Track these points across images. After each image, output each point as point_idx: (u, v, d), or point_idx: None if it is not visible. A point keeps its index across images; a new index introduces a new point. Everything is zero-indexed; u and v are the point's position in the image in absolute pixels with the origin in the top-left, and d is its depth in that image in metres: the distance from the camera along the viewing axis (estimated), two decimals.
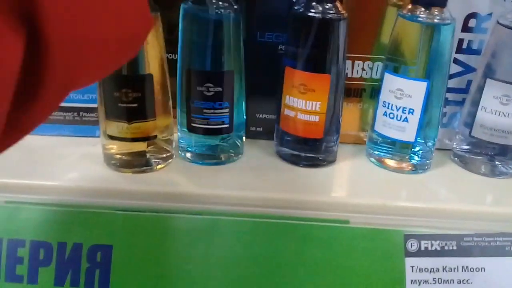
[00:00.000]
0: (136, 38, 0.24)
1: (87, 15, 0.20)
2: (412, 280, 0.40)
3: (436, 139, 0.46)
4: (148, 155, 0.44)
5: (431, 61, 0.42)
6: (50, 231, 0.41)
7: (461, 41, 0.45)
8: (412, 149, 0.45)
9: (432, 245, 0.40)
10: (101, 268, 0.40)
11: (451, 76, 0.46)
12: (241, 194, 0.42)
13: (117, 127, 0.42)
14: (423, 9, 0.41)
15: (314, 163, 0.46)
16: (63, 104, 0.43)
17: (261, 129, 0.51)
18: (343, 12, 0.41)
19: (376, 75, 0.48)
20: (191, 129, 0.44)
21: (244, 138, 0.47)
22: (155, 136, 0.43)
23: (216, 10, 0.40)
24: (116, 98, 0.40)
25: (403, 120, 0.43)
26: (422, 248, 0.40)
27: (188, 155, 0.46)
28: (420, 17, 0.41)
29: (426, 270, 0.40)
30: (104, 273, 0.40)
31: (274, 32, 0.46)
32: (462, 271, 0.40)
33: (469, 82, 0.47)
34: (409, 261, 0.40)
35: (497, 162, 0.46)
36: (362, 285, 0.40)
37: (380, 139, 0.46)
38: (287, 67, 0.43)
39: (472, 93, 0.46)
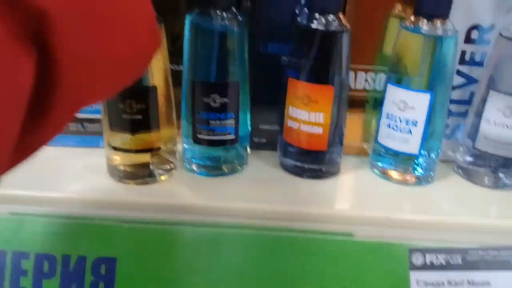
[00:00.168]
0: (145, 56, 0.24)
1: (97, 36, 0.20)
2: None
3: (439, 151, 0.46)
4: (151, 167, 0.44)
5: (434, 72, 0.42)
6: (54, 243, 0.41)
7: (463, 52, 0.46)
8: (416, 161, 0.45)
9: (437, 258, 0.40)
10: (105, 281, 0.40)
11: (454, 88, 0.46)
12: (245, 206, 0.42)
13: (121, 139, 0.42)
14: (425, 21, 0.41)
15: (317, 175, 0.46)
16: None
17: (264, 140, 0.51)
18: (346, 24, 0.42)
19: (379, 86, 0.48)
20: (197, 140, 0.44)
21: (248, 149, 0.47)
22: (159, 148, 0.43)
23: (221, 22, 0.40)
24: (120, 110, 0.40)
25: (407, 132, 0.43)
26: (427, 262, 0.40)
27: (193, 166, 0.46)
28: (422, 29, 0.41)
29: (431, 284, 0.40)
30: (108, 286, 0.40)
31: (277, 43, 0.46)
32: (468, 285, 0.40)
33: (471, 94, 0.47)
34: (414, 275, 0.40)
35: (500, 174, 0.46)
36: None
37: (384, 150, 0.46)
38: (290, 79, 0.43)
39: (475, 105, 0.46)
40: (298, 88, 0.43)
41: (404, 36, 0.43)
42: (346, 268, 0.41)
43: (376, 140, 0.46)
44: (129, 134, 0.41)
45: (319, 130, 0.44)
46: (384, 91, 0.45)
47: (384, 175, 0.47)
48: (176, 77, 0.44)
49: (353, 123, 0.49)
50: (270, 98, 0.47)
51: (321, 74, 0.42)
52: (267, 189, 0.44)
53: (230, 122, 0.43)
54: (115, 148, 0.42)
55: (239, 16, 0.41)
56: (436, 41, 0.42)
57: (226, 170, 0.46)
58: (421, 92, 0.42)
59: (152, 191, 0.43)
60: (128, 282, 0.40)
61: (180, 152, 0.47)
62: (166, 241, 0.41)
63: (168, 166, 0.45)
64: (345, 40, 0.42)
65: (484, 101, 0.44)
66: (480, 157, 0.46)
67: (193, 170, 0.46)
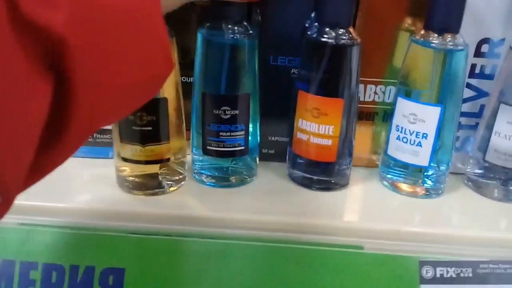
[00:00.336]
0: (157, 81, 0.25)
1: (112, 62, 0.20)
2: None
3: (449, 163, 0.45)
4: (160, 178, 0.44)
5: (444, 86, 0.42)
6: (63, 254, 0.41)
7: (473, 66, 0.46)
8: (425, 173, 0.45)
9: (447, 272, 0.40)
10: None
11: (464, 101, 0.46)
12: (253, 218, 0.41)
13: (131, 150, 0.42)
14: (436, 35, 0.41)
15: (326, 187, 0.46)
16: None
17: (273, 151, 0.51)
18: (356, 37, 0.42)
19: (388, 99, 0.48)
20: (207, 152, 0.44)
21: (257, 160, 0.47)
22: (168, 159, 0.43)
23: (232, 35, 0.41)
24: (130, 121, 0.41)
25: (417, 145, 0.43)
26: (438, 275, 0.40)
27: (202, 177, 0.46)
28: (433, 43, 0.41)
29: None
30: None
31: (287, 56, 0.46)
32: None
33: (482, 107, 0.47)
34: None
35: (510, 187, 0.46)
36: None
37: (393, 162, 0.46)
38: (300, 91, 0.44)
39: (486, 118, 0.46)
40: (308, 101, 0.43)
41: (414, 50, 0.43)
42: (356, 281, 0.40)
43: (385, 152, 0.46)
44: (139, 145, 0.41)
45: (328, 142, 0.44)
46: (394, 104, 0.45)
47: (394, 187, 0.46)
48: (187, 89, 0.44)
49: (363, 135, 0.49)
50: (279, 110, 0.48)
51: (331, 87, 0.42)
52: (276, 201, 0.44)
53: (240, 133, 0.43)
54: (125, 159, 0.43)
55: (249, 29, 0.42)
56: (446, 55, 0.42)
57: (235, 181, 0.46)
58: (432, 106, 0.42)
59: (160, 202, 0.43)
60: None
61: (189, 163, 0.47)
62: (174, 252, 0.41)
63: (177, 177, 0.45)
64: (355, 53, 0.42)
65: (494, 114, 0.44)
66: (490, 170, 0.46)
67: (202, 181, 0.46)
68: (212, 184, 0.46)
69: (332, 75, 0.42)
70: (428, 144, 0.43)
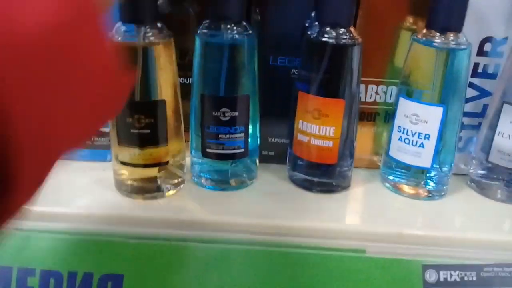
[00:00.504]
0: (112, 109, 0.23)
1: (58, 108, 0.19)
2: None
3: (452, 164, 0.45)
4: (159, 181, 0.43)
5: (446, 85, 0.42)
6: (61, 260, 0.40)
7: (476, 65, 0.45)
8: (428, 175, 0.45)
9: (451, 275, 0.39)
10: None
11: (466, 100, 0.45)
12: (254, 221, 0.41)
13: (129, 153, 0.41)
14: (438, 34, 0.41)
15: (328, 189, 0.45)
16: None
17: (273, 153, 0.50)
18: (357, 37, 0.41)
19: (390, 99, 0.47)
20: (206, 154, 0.43)
21: (257, 162, 0.47)
22: (167, 162, 0.43)
23: (231, 36, 0.40)
24: (128, 124, 0.40)
25: (419, 146, 0.43)
26: (441, 279, 0.39)
27: (202, 180, 0.45)
28: (435, 42, 0.41)
29: None
30: None
31: (287, 56, 0.46)
32: None
33: (484, 107, 0.47)
34: None
35: None
36: None
37: (395, 164, 0.45)
38: (300, 92, 0.43)
39: (489, 118, 0.45)
40: (309, 102, 0.42)
41: (416, 49, 0.42)
42: (358, 286, 0.40)
43: (387, 154, 0.46)
44: (137, 148, 0.41)
45: (329, 144, 0.43)
46: (395, 104, 0.44)
47: (396, 189, 0.46)
48: (185, 91, 0.43)
49: (364, 136, 0.48)
50: (279, 111, 0.47)
51: (331, 88, 0.42)
52: (277, 204, 0.43)
53: (240, 135, 0.42)
54: (123, 163, 0.42)
55: (248, 29, 0.41)
56: (449, 54, 0.41)
57: (235, 184, 0.45)
58: (434, 106, 0.41)
59: (159, 206, 0.42)
60: None
61: (188, 166, 0.46)
62: (173, 257, 0.41)
63: (176, 181, 0.44)
64: (356, 53, 0.41)
65: (497, 114, 0.44)
66: (493, 171, 0.45)
67: (202, 184, 0.45)
68: (212, 187, 0.45)
69: (332, 75, 0.41)
70: (430, 145, 0.42)
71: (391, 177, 0.46)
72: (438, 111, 0.41)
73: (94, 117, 0.22)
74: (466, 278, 0.39)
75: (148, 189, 0.43)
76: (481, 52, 0.44)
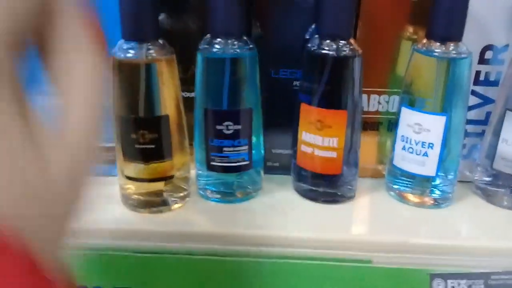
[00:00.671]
0: None
1: None
2: None
3: (457, 172, 0.45)
4: (165, 195, 0.44)
5: (448, 94, 0.42)
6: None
7: (478, 73, 0.45)
8: (433, 183, 0.45)
9: (459, 284, 0.39)
10: None
11: (469, 108, 0.45)
12: (260, 233, 0.41)
13: (134, 168, 0.42)
14: (438, 43, 0.41)
15: (332, 199, 0.45)
16: None
17: (277, 164, 0.50)
18: (357, 49, 0.41)
19: (392, 108, 0.47)
20: (211, 167, 0.43)
21: (262, 173, 0.47)
22: (172, 176, 0.43)
23: (232, 49, 0.40)
24: (133, 140, 0.40)
25: (423, 155, 0.43)
26: None
27: (207, 192, 0.45)
28: (435, 52, 0.41)
29: None
30: None
31: (288, 68, 0.46)
32: None
33: (488, 114, 0.47)
34: None
35: None
36: None
37: (400, 173, 0.45)
38: (302, 104, 0.43)
39: (492, 125, 0.45)
40: (311, 114, 0.43)
41: (417, 59, 0.42)
42: None
43: (391, 163, 0.46)
44: (142, 163, 0.41)
45: (333, 155, 0.43)
46: (398, 113, 0.44)
47: (401, 197, 0.46)
48: (187, 104, 0.44)
49: (367, 145, 0.48)
50: (283, 123, 0.47)
51: (333, 99, 0.42)
52: (282, 215, 0.44)
53: (244, 148, 0.43)
54: (129, 178, 0.42)
55: (249, 44, 0.41)
56: (450, 63, 0.41)
57: (240, 196, 0.45)
58: (437, 115, 0.42)
59: (165, 220, 0.42)
60: None
61: (193, 179, 0.46)
62: (180, 270, 0.41)
63: (181, 194, 0.45)
64: (356, 64, 0.41)
65: (501, 121, 0.44)
66: (499, 177, 0.45)
67: (207, 196, 0.46)
68: (217, 199, 0.45)
69: (334, 87, 0.42)
70: (434, 154, 0.42)
71: (396, 186, 0.46)
72: (441, 119, 0.42)
73: None
74: (473, 286, 0.39)
75: (154, 203, 0.43)
76: (482, 60, 0.45)
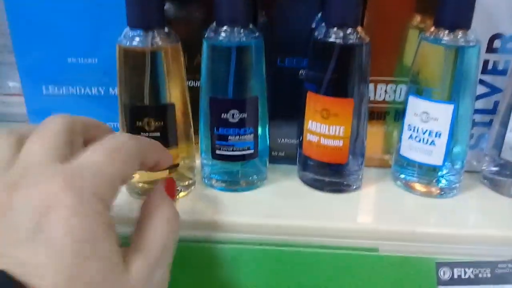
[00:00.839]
0: None
1: None
2: None
3: (464, 161, 0.44)
4: None
5: (456, 83, 0.42)
6: None
7: (486, 62, 0.45)
8: (440, 173, 0.44)
9: (465, 273, 0.39)
10: None
11: (477, 97, 0.45)
12: (265, 222, 0.41)
13: None
14: (446, 31, 0.41)
15: (338, 188, 0.45)
16: None
17: (283, 153, 0.50)
18: (364, 37, 0.41)
19: (399, 97, 0.47)
20: (216, 156, 0.43)
21: (267, 163, 0.47)
22: (178, 164, 0.43)
23: (238, 38, 0.40)
24: (138, 128, 0.40)
25: (430, 144, 0.42)
26: (455, 276, 0.39)
27: (212, 181, 0.45)
28: (443, 40, 0.41)
29: None
30: None
31: (295, 57, 0.46)
32: None
33: (496, 103, 0.46)
34: None
35: None
36: None
37: (406, 162, 0.45)
38: (309, 92, 0.43)
39: (500, 114, 0.45)
40: (317, 102, 0.42)
41: (424, 47, 0.42)
42: (371, 284, 0.40)
43: (398, 152, 0.46)
44: None
45: (339, 144, 0.43)
46: (405, 103, 0.44)
47: (408, 187, 0.46)
48: (193, 94, 0.44)
49: (374, 135, 0.48)
50: (288, 112, 0.47)
51: (340, 88, 0.42)
52: (287, 204, 0.44)
53: (249, 137, 0.43)
54: None
55: (255, 32, 0.41)
56: (458, 52, 0.41)
57: (245, 185, 0.45)
58: (445, 103, 0.41)
59: None
60: None
61: (198, 168, 0.46)
62: (185, 258, 0.41)
63: (186, 182, 0.45)
64: (363, 53, 0.41)
65: (509, 110, 0.43)
66: (506, 167, 0.45)
67: (212, 185, 0.45)
68: (222, 188, 0.45)
69: (341, 75, 0.42)
70: (441, 143, 0.42)
71: (402, 176, 0.46)
72: (449, 108, 0.41)
73: None
74: (480, 275, 0.39)
75: None
76: (490, 49, 0.44)
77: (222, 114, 0.42)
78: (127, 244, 0.30)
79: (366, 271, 0.40)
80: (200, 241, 0.40)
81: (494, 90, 0.46)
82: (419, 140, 0.43)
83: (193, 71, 0.46)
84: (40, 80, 0.50)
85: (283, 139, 0.50)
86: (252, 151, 0.43)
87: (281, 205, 0.43)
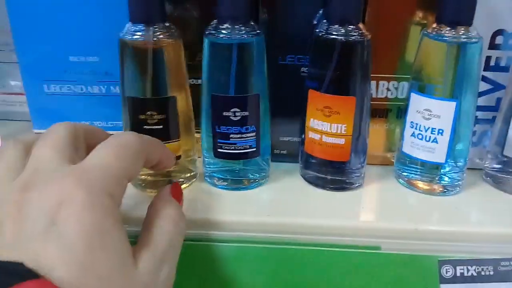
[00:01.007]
0: None
1: None
2: None
3: (467, 159, 0.44)
4: (172, 175, 0.44)
5: (458, 80, 0.41)
6: None
7: (488, 58, 0.44)
8: (442, 170, 0.44)
9: (468, 270, 0.39)
10: None
11: (480, 94, 0.45)
12: (267, 220, 0.41)
13: None
14: (448, 28, 0.40)
15: (341, 186, 0.45)
16: None
17: (285, 151, 0.50)
18: (366, 33, 0.41)
19: (401, 94, 0.47)
20: (218, 155, 0.43)
21: (269, 161, 0.47)
22: (179, 156, 0.43)
23: (239, 35, 0.40)
24: (141, 121, 0.41)
25: (432, 141, 0.42)
26: (458, 274, 0.39)
27: (214, 180, 0.45)
28: (445, 36, 0.40)
29: None
30: None
31: (296, 54, 0.46)
32: None
33: (498, 100, 0.46)
34: None
35: None
36: None
37: (409, 160, 0.45)
38: (310, 90, 0.43)
39: (503, 111, 0.44)
40: (319, 100, 0.42)
41: (426, 44, 0.42)
42: (374, 282, 0.40)
43: (400, 150, 0.45)
44: None
45: (341, 141, 0.43)
46: (407, 100, 0.44)
47: (410, 185, 0.45)
48: (195, 92, 0.44)
49: (376, 133, 0.48)
50: (290, 110, 0.47)
51: (342, 85, 0.42)
52: (290, 202, 0.43)
53: (251, 135, 0.43)
54: None
55: (256, 29, 0.41)
56: (460, 48, 0.41)
57: (247, 183, 0.45)
58: (447, 101, 0.41)
59: None
60: None
61: (200, 166, 0.46)
62: (187, 256, 0.41)
63: (188, 174, 0.45)
64: (365, 50, 0.41)
65: (511, 107, 0.43)
66: (509, 164, 0.45)
67: (214, 183, 0.45)
68: (224, 187, 0.45)
69: (342, 72, 0.41)
70: (444, 140, 0.42)
71: (405, 173, 0.46)
72: (451, 105, 0.41)
73: None
74: (483, 273, 0.39)
75: (161, 183, 0.43)
76: (493, 45, 0.44)
77: (224, 112, 0.42)
78: (134, 243, 0.30)
79: (369, 269, 0.39)
80: (203, 239, 0.40)
81: (496, 86, 0.46)
82: (422, 138, 0.43)
83: (195, 69, 0.46)
84: (42, 79, 0.50)
85: (285, 137, 0.50)
86: (254, 149, 0.43)
87: (283, 203, 0.43)
